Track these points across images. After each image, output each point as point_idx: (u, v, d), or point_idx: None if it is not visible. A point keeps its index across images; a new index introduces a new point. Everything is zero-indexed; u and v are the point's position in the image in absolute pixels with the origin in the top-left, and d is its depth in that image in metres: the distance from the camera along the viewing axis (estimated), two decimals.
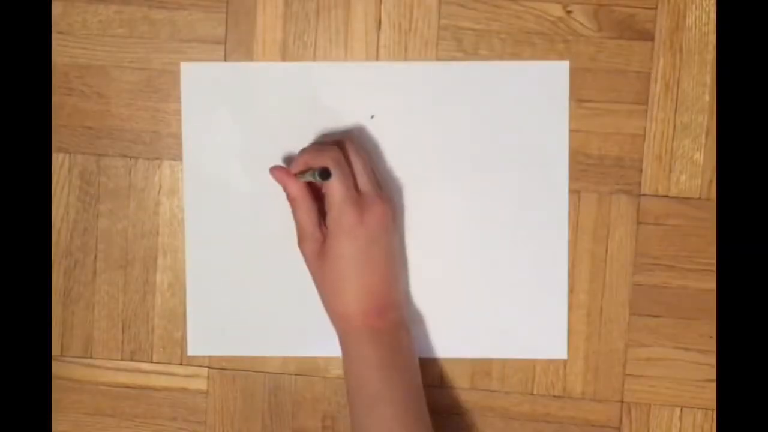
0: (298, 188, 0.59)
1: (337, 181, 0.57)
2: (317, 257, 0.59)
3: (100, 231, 0.64)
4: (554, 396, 0.63)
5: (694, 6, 0.61)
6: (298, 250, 0.63)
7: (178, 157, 0.63)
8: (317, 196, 0.59)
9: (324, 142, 0.61)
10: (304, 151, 0.60)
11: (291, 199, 0.59)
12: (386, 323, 0.59)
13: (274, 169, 0.60)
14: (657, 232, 0.62)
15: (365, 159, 0.60)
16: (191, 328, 0.64)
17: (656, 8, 0.61)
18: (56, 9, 0.62)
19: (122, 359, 0.65)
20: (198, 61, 0.63)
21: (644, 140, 0.62)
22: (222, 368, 0.64)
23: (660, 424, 0.63)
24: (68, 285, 0.64)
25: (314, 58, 0.63)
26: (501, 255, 0.63)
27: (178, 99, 0.63)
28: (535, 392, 0.63)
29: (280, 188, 0.62)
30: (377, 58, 0.62)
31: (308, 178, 0.58)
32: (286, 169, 0.59)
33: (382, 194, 0.59)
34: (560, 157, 0.62)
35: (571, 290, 0.63)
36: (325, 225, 0.59)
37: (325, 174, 0.56)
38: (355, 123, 0.63)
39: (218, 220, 0.63)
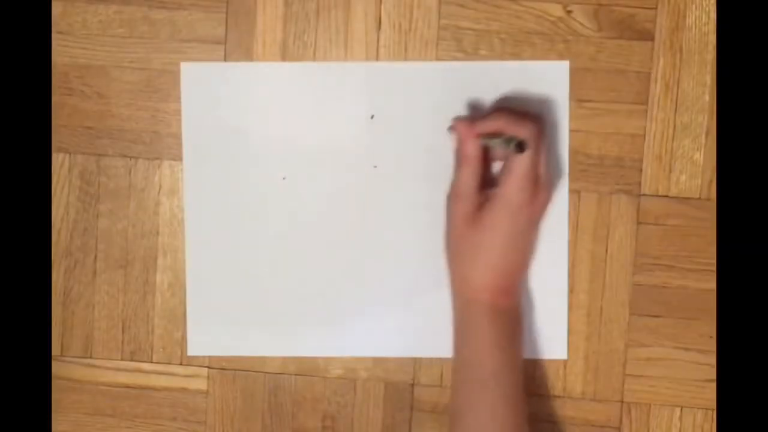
0: (476, 148, 0.58)
1: (528, 158, 0.56)
2: (467, 220, 0.58)
3: (100, 231, 0.64)
4: (554, 396, 0.63)
5: (694, 6, 0.61)
6: (297, 250, 0.63)
7: (178, 157, 0.63)
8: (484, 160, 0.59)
9: (518, 112, 0.59)
10: (495, 114, 0.59)
11: (464, 156, 0.59)
12: (509, 303, 0.59)
13: (458, 122, 0.59)
14: (657, 232, 0.62)
15: (547, 144, 0.59)
16: (191, 328, 0.64)
17: (656, 8, 0.61)
18: (56, 9, 0.62)
19: (122, 359, 0.65)
20: (198, 61, 0.63)
21: (644, 140, 0.62)
22: (222, 368, 0.64)
23: (660, 424, 0.63)
24: (68, 285, 0.64)
25: (314, 58, 0.63)
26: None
27: (178, 99, 0.63)
28: (535, 392, 0.63)
29: (279, 188, 0.63)
30: (377, 58, 0.62)
31: (497, 143, 0.57)
32: (471, 125, 0.58)
33: (552, 185, 0.60)
34: (560, 157, 0.62)
35: (571, 290, 0.63)
36: (486, 188, 0.58)
37: (521, 146, 0.56)
38: (355, 123, 0.63)
39: (218, 220, 0.63)
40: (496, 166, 0.60)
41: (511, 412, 0.58)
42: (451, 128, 0.60)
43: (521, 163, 0.56)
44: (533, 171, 0.57)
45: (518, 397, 0.58)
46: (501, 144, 0.57)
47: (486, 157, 0.59)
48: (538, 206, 0.58)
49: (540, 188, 0.58)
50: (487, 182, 0.59)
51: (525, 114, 0.58)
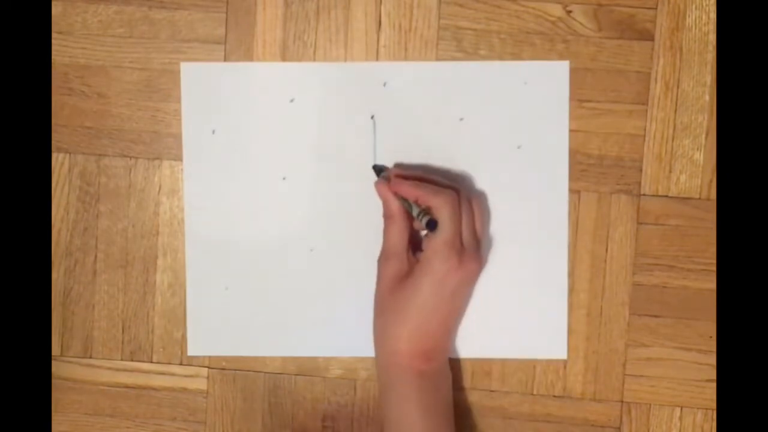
0: (397, 208, 0.59)
1: (445, 232, 0.57)
2: (393, 281, 0.58)
3: (100, 231, 0.64)
4: (554, 396, 0.63)
5: (694, 6, 0.61)
6: (297, 250, 0.63)
7: (178, 157, 0.63)
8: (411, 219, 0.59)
9: (439, 182, 0.60)
10: (412, 183, 0.59)
11: (387, 216, 0.59)
12: (430, 367, 0.59)
13: (378, 183, 0.60)
14: (657, 232, 0.62)
15: (473, 214, 0.59)
16: (191, 328, 0.64)
17: (656, 8, 0.61)
18: (56, 9, 0.62)
19: (122, 359, 0.65)
20: (198, 61, 0.63)
21: (644, 140, 0.62)
22: (222, 368, 0.64)
23: (660, 424, 0.63)
24: (68, 285, 0.64)
25: (314, 58, 0.63)
26: (501, 255, 0.63)
27: (178, 99, 0.63)
28: (535, 392, 0.63)
29: (279, 188, 0.63)
30: (377, 58, 0.62)
31: (413, 212, 0.58)
32: (388, 186, 0.59)
33: (480, 253, 0.59)
34: (560, 157, 0.62)
35: (571, 290, 0.63)
36: (412, 253, 0.59)
37: (431, 225, 0.57)
38: (355, 123, 0.63)
39: (218, 220, 0.63)
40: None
41: None
42: (375, 184, 0.60)
43: (438, 237, 0.57)
44: (453, 243, 0.57)
45: None
46: (417, 215, 0.58)
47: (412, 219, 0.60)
48: (465, 276, 0.58)
49: (466, 257, 0.57)
50: (419, 244, 0.60)
51: (442, 188, 0.58)
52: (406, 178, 0.59)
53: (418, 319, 0.57)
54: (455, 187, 0.59)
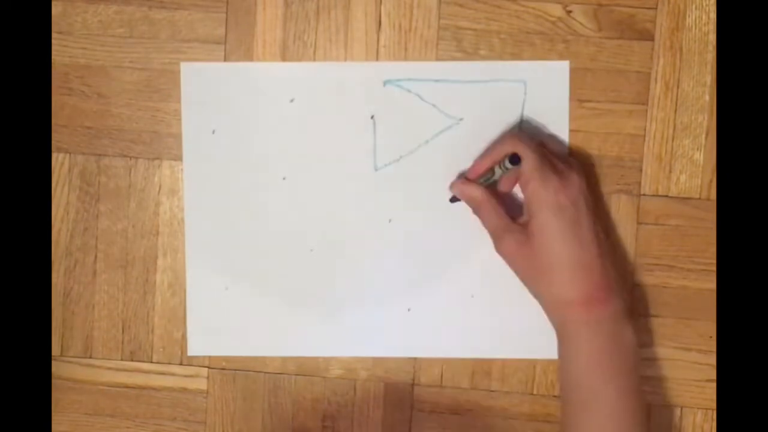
0: (480, 192, 0.59)
1: (530, 155, 0.55)
2: (521, 247, 0.56)
3: (100, 231, 0.64)
4: (554, 396, 0.63)
5: (694, 6, 0.61)
6: (297, 250, 0.63)
7: (178, 157, 0.63)
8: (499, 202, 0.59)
9: (493, 143, 0.60)
10: (477, 159, 0.60)
11: (476, 204, 0.59)
12: (609, 310, 0.55)
13: (454, 185, 0.60)
14: (657, 232, 0.62)
15: (544, 144, 0.59)
16: (191, 328, 0.64)
17: (656, 8, 0.61)
18: (56, 9, 0.62)
19: (122, 359, 0.65)
20: (198, 61, 0.63)
21: (644, 140, 0.62)
22: (222, 368, 0.64)
23: (660, 424, 0.63)
24: (68, 285, 0.64)
25: (314, 58, 0.63)
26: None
27: (178, 99, 0.63)
28: (535, 392, 0.63)
29: (279, 188, 0.62)
30: (377, 58, 0.62)
31: (497, 174, 0.58)
32: (463, 179, 0.60)
33: (575, 165, 0.57)
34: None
35: None
36: (518, 218, 0.58)
37: (515, 158, 0.56)
38: (355, 123, 0.63)
39: (218, 220, 0.63)
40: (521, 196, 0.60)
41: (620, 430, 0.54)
42: (452, 198, 0.61)
43: (526, 164, 0.56)
44: (542, 163, 0.56)
45: (630, 419, 0.54)
46: (499, 172, 0.58)
47: (501, 195, 0.60)
48: (575, 189, 0.56)
49: (563, 171, 0.56)
50: (520, 213, 0.59)
51: (499, 138, 0.59)
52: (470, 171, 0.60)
53: (567, 257, 0.55)
54: (509, 132, 0.59)
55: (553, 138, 0.61)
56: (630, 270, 0.62)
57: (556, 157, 0.58)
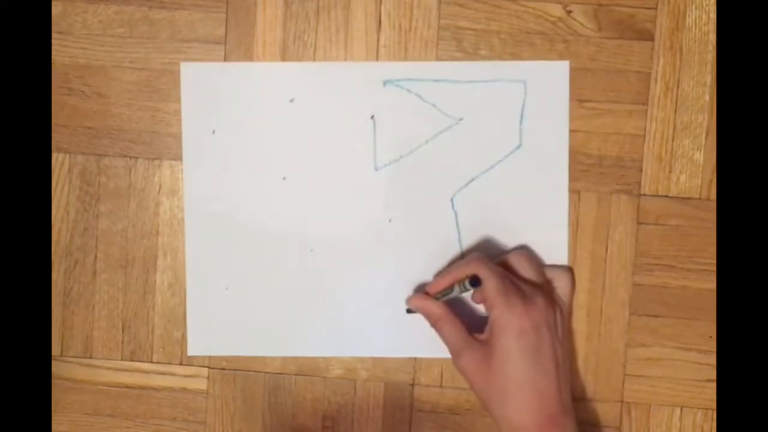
0: (438, 306, 0.59)
1: (492, 279, 0.56)
2: (479, 365, 0.57)
3: (100, 231, 0.64)
4: None
5: (694, 6, 0.61)
6: (297, 250, 0.63)
7: (178, 157, 0.63)
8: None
9: (456, 264, 0.60)
10: (440, 273, 0.60)
11: (435, 320, 0.59)
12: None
13: (411, 299, 0.60)
14: (657, 232, 0.62)
15: (510, 267, 0.59)
16: (191, 328, 0.64)
17: (656, 8, 0.61)
18: (56, 9, 0.62)
19: (122, 359, 0.65)
20: (198, 61, 0.63)
21: (644, 140, 0.62)
22: (222, 368, 0.64)
23: (660, 424, 0.63)
24: (68, 285, 0.64)
25: (314, 58, 0.63)
26: (501, 255, 0.63)
27: (178, 99, 0.63)
28: None
29: (280, 189, 0.62)
30: (377, 58, 0.62)
31: (456, 292, 0.58)
32: (422, 294, 0.60)
33: (543, 288, 0.58)
34: (560, 157, 0.62)
35: None
36: (476, 335, 0.58)
37: (475, 281, 0.57)
38: (355, 123, 0.63)
39: (218, 220, 0.63)
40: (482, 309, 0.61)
41: None
42: (408, 311, 0.61)
43: (488, 287, 0.56)
44: (505, 286, 0.56)
45: None
46: (459, 289, 0.58)
47: (461, 309, 0.60)
48: (539, 313, 0.56)
49: (529, 296, 0.56)
50: (480, 327, 0.59)
51: (466, 259, 0.59)
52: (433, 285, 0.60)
53: (526, 382, 0.55)
54: (473, 257, 0.59)
55: (524, 255, 0.60)
56: (630, 270, 0.63)
57: (523, 280, 0.58)
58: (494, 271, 0.57)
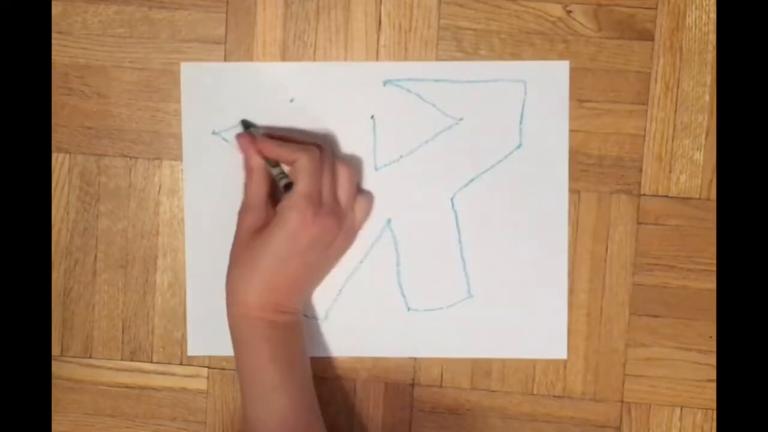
0: (257, 162, 0.59)
1: (306, 180, 0.57)
2: (249, 233, 0.58)
3: (100, 231, 0.64)
4: (554, 396, 0.63)
5: (694, 6, 0.61)
6: None
7: (178, 157, 0.63)
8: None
9: (304, 141, 0.60)
10: (274, 142, 0.59)
11: (248, 170, 0.60)
12: (281, 320, 0.58)
13: (240, 137, 0.60)
14: (657, 232, 0.62)
15: (337, 177, 0.59)
16: (191, 328, 0.64)
17: (656, 8, 0.61)
18: (56, 9, 0.62)
19: (122, 359, 0.65)
20: (198, 61, 0.63)
21: (644, 140, 0.62)
22: (222, 368, 0.64)
23: (660, 424, 0.63)
24: (68, 285, 0.64)
25: (314, 58, 0.63)
26: (501, 255, 0.63)
27: (178, 99, 0.63)
28: (535, 392, 0.63)
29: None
30: (377, 58, 0.62)
31: (274, 171, 0.59)
32: (254, 142, 0.60)
33: (339, 212, 0.59)
34: (560, 157, 0.62)
35: (571, 290, 0.63)
36: (272, 206, 0.59)
37: (289, 187, 0.57)
38: (355, 123, 0.63)
39: (218, 220, 0.63)
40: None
41: (302, 419, 0.57)
42: (236, 137, 0.61)
43: (295, 190, 0.57)
44: (309, 196, 0.57)
45: (307, 407, 0.58)
46: (277, 172, 0.59)
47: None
48: (321, 229, 0.58)
49: (322, 212, 0.57)
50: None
51: (304, 145, 0.59)
52: (272, 137, 0.60)
53: (269, 271, 0.57)
54: (321, 146, 0.59)
55: (349, 172, 0.60)
56: (630, 270, 0.63)
57: (331, 194, 0.58)
58: (311, 179, 0.57)
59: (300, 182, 0.57)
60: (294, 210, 0.57)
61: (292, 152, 0.58)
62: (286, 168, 0.59)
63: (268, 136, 0.60)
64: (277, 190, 0.60)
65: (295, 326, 0.60)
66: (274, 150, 0.59)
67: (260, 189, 0.59)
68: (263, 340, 0.57)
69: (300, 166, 0.57)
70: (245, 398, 0.58)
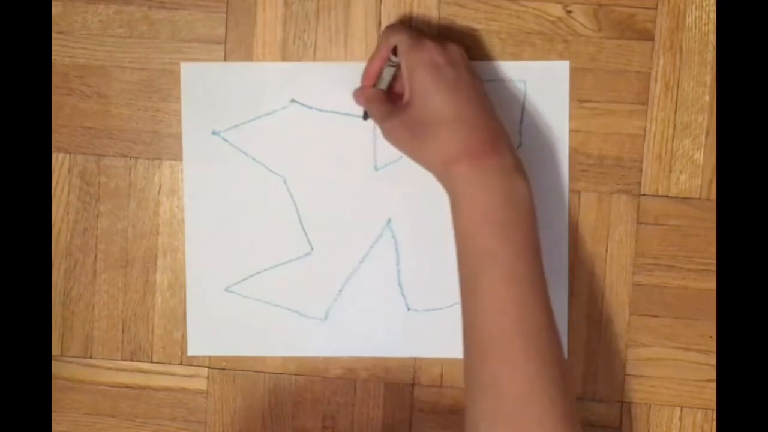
0: (369, 90, 0.59)
1: (404, 34, 0.56)
2: (404, 122, 0.54)
3: (100, 231, 0.64)
4: None
5: (694, 6, 0.61)
6: (297, 250, 0.63)
7: (178, 157, 0.63)
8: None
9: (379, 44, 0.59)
10: (367, 65, 0.60)
11: (366, 101, 0.59)
12: (497, 163, 0.51)
13: (354, 93, 0.60)
14: (657, 232, 0.62)
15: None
16: (191, 328, 0.64)
17: (656, 8, 0.61)
18: (56, 9, 0.62)
19: (122, 359, 0.65)
20: (198, 61, 0.63)
21: (644, 140, 0.62)
22: (222, 368, 0.64)
23: (660, 424, 0.63)
24: (68, 285, 0.64)
25: (314, 58, 0.63)
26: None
27: (178, 99, 0.63)
28: None
29: (280, 189, 0.63)
30: None
31: (387, 72, 0.59)
32: (359, 88, 0.60)
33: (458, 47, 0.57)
34: (560, 157, 0.62)
35: (572, 291, 0.63)
36: (399, 104, 0.57)
37: (394, 51, 0.57)
38: (355, 123, 0.63)
39: (218, 220, 0.63)
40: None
41: (515, 296, 0.50)
42: (364, 115, 0.61)
43: (403, 43, 0.56)
44: (419, 34, 0.56)
45: (527, 278, 0.50)
46: (389, 70, 0.58)
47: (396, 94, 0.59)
48: (452, 53, 0.55)
49: (440, 43, 0.55)
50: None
51: (379, 40, 0.59)
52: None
53: (447, 113, 0.52)
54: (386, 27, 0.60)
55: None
56: (630, 270, 0.63)
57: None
58: (404, 31, 0.57)
59: (400, 42, 0.56)
60: (419, 50, 0.54)
61: (378, 51, 0.58)
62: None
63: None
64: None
65: (514, 169, 0.53)
66: (372, 64, 0.59)
67: (383, 102, 0.58)
68: (477, 193, 0.51)
69: (394, 34, 0.57)
70: (461, 272, 0.52)
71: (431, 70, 0.54)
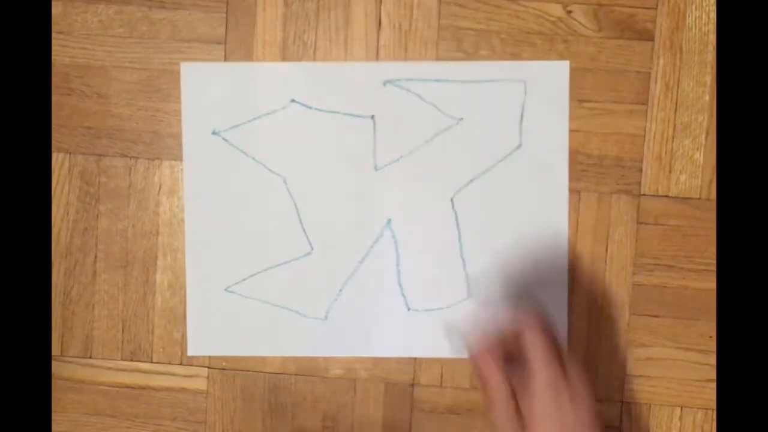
0: (500, 382, 0.53)
1: (543, 368, 0.51)
2: (516, 424, 0.52)
3: (100, 231, 0.64)
4: None
5: (694, 6, 0.61)
6: (297, 250, 0.63)
7: (178, 157, 0.63)
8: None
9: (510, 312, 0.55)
10: (487, 328, 0.55)
11: (491, 392, 0.53)
12: None
13: (477, 358, 0.54)
14: (657, 232, 0.62)
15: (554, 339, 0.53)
16: (191, 328, 0.64)
17: (656, 8, 0.61)
18: (56, 9, 0.62)
19: (122, 359, 0.65)
20: (198, 61, 0.63)
21: (644, 140, 0.62)
22: (222, 368, 0.64)
23: (660, 424, 0.63)
24: (68, 285, 0.64)
25: (314, 58, 0.63)
26: (501, 255, 0.63)
27: (178, 99, 0.63)
28: None
29: (280, 189, 0.62)
30: (377, 58, 0.62)
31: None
32: (491, 355, 0.53)
33: (585, 379, 0.52)
34: (560, 157, 0.62)
35: (571, 290, 0.63)
36: (521, 414, 0.52)
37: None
38: (355, 123, 0.63)
39: (218, 220, 0.63)
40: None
41: None
42: (473, 363, 0.55)
43: (539, 380, 0.52)
44: (558, 378, 0.52)
45: None
46: None
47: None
48: (584, 413, 0.51)
49: (575, 393, 0.52)
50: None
51: (514, 329, 0.54)
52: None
53: None
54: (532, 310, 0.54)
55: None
56: (630, 270, 0.63)
57: (573, 365, 0.53)
58: (546, 361, 0.52)
59: (537, 372, 0.51)
60: (548, 407, 0.51)
61: (506, 340, 0.53)
62: None
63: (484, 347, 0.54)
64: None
65: None
66: (495, 343, 0.54)
67: (509, 410, 0.52)
68: None
69: (530, 352, 0.52)
70: None
71: (553, 392, 0.51)
